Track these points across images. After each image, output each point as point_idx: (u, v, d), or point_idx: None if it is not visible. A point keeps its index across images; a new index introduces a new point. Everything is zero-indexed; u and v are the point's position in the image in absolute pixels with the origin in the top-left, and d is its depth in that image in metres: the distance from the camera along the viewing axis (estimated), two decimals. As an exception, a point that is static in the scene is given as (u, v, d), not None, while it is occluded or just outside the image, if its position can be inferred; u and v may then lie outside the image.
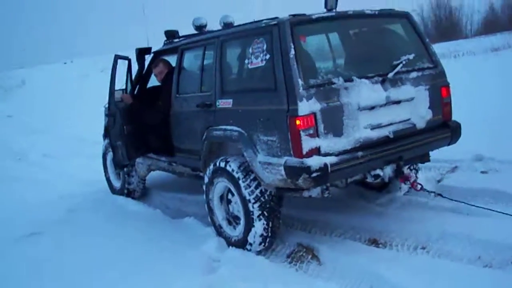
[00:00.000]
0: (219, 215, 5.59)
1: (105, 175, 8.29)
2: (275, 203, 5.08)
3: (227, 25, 6.12)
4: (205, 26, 6.40)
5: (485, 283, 3.98)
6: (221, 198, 5.57)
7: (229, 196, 5.45)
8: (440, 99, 5.33)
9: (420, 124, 5.16)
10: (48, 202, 8.12)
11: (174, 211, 6.84)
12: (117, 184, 8.05)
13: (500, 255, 4.39)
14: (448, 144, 5.49)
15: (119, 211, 7.19)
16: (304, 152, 4.43)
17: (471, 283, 3.99)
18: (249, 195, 5.01)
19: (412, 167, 5.78)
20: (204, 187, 5.66)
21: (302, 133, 4.41)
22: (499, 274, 4.14)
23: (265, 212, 5.01)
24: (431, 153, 5.73)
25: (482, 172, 6.27)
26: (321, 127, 4.50)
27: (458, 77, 10.13)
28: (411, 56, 5.11)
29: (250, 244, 5.12)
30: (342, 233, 5.46)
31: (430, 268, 4.35)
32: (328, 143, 4.55)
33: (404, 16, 5.49)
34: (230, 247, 5.36)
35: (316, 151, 4.49)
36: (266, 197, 5.03)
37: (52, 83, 21.26)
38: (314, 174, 4.37)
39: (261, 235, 5.05)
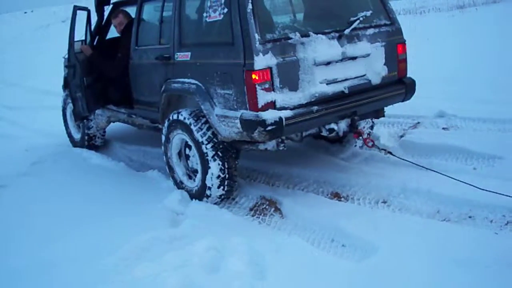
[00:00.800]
0: (179, 171, 5.66)
1: (66, 129, 8.27)
2: (228, 143, 5.14)
3: None
4: None
5: (443, 236, 4.06)
6: (180, 154, 5.65)
7: (187, 151, 5.52)
8: (396, 56, 5.41)
9: (375, 80, 5.24)
10: (12, 155, 8.07)
11: (138, 164, 6.82)
12: (77, 136, 8.03)
13: (457, 209, 4.52)
14: (403, 100, 5.59)
15: (84, 164, 7.14)
16: (260, 106, 4.51)
17: (429, 236, 4.08)
18: (201, 137, 5.10)
19: (367, 123, 5.81)
20: (162, 147, 5.73)
21: (257, 87, 4.48)
22: (456, 228, 4.24)
23: (219, 153, 5.10)
24: (394, 108, 5.84)
25: (444, 128, 6.36)
26: (276, 82, 4.58)
27: (424, 34, 10.21)
28: (368, 13, 5.16)
29: (209, 188, 5.18)
30: (305, 186, 5.52)
31: (391, 222, 4.43)
32: (283, 97, 4.63)
33: None
34: (193, 199, 5.39)
35: (272, 105, 4.56)
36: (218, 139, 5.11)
37: (12, 33, 20.65)
38: (269, 128, 4.47)
39: (218, 176, 5.11)
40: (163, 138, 5.66)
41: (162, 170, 6.31)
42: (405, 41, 5.51)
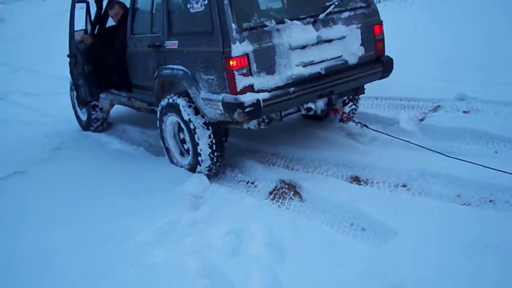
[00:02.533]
0: (174, 151, 6.10)
1: (74, 113, 8.65)
2: (215, 123, 5.50)
3: None
4: None
5: (463, 220, 4.03)
6: (174, 136, 6.07)
7: (181, 135, 5.94)
8: (372, 36, 5.69)
9: (352, 60, 5.53)
10: (31, 141, 8.20)
11: (157, 148, 6.83)
12: (83, 117, 8.43)
13: (478, 193, 4.47)
14: (380, 78, 5.89)
15: (103, 148, 7.23)
16: (238, 90, 4.85)
17: (449, 220, 4.05)
18: (190, 118, 5.49)
19: (351, 100, 6.33)
20: (159, 132, 6.18)
21: (236, 73, 4.82)
22: (477, 211, 4.21)
23: (205, 132, 5.47)
24: (413, 92, 6.01)
25: (465, 111, 6.27)
26: (253, 67, 4.90)
27: (445, 16, 10.07)
28: None
29: (199, 164, 5.60)
30: (324, 170, 5.52)
31: (410, 206, 4.41)
32: (261, 80, 4.95)
33: None
34: (213, 184, 5.45)
35: (250, 88, 4.90)
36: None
37: (31, 21, 20.58)
38: (247, 109, 4.82)
39: (206, 153, 5.50)
40: (158, 124, 6.10)
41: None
42: (381, 21, 5.76)
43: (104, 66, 7.20)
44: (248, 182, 5.51)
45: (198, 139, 5.47)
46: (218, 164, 5.65)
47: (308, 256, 3.88)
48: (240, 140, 6.66)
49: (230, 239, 4.26)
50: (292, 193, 5.07)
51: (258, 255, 3.97)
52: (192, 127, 5.49)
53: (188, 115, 5.49)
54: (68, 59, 7.39)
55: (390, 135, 5.71)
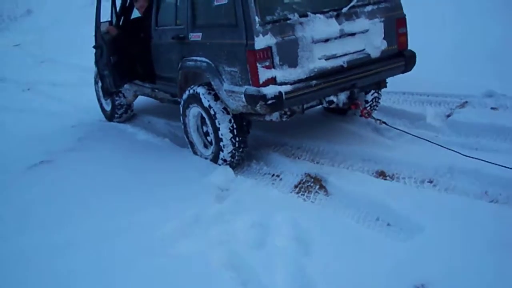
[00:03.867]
0: (197, 142, 6.17)
1: (99, 103, 8.78)
2: (238, 115, 5.58)
3: None
4: None
5: (490, 217, 4.01)
6: (198, 131, 6.15)
7: (204, 129, 6.04)
8: (395, 30, 5.70)
9: (375, 54, 5.55)
10: (58, 131, 8.31)
11: (183, 140, 6.86)
12: (108, 108, 8.54)
13: (506, 190, 4.42)
14: (403, 72, 5.87)
15: (129, 139, 7.28)
16: (261, 82, 4.90)
17: (476, 217, 4.03)
18: (212, 109, 5.56)
19: (374, 95, 6.37)
20: (182, 127, 6.26)
21: (258, 65, 4.86)
22: (505, 209, 4.17)
23: (228, 123, 5.55)
24: (441, 87, 6.26)
25: (492, 108, 6.20)
26: (276, 59, 4.94)
27: (473, 7, 9.94)
28: None
29: (222, 154, 5.67)
30: (350, 164, 5.50)
31: (437, 202, 4.39)
32: (283, 73, 4.99)
33: None
34: (239, 176, 5.49)
35: (272, 81, 4.94)
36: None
37: (58, 12, 20.72)
38: (270, 102, 4.86)
39: (228, 144, 5.58)
40: (181, 111, 6.15)
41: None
42: (405, 16, 5.77)
43: (129, 57, 7.27)
44: (273, 175, 5.51)
45: (219, 124, 5.54)
46: (240, 150, 5.70)
47: (333, 250, 3.90)
48: (266, 133, 6.66)
49: (256, 231, 4.29)
50: (317, 186, 5.07)
51: (284, 247, 4.00)
52: (212, 112, 5.56)
53: (208, 101, 5.59)
54: (94, 50, 7.49)
55: (408, 133, 5.71)
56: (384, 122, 5.85)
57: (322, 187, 5.05)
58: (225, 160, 5.70)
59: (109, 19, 7.57)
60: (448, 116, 6.16)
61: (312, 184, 5.13)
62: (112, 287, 3.85)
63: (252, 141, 6.42)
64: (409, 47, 5.85)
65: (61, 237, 4.57)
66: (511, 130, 5.48)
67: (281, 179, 5.39)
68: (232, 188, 5.17)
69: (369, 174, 5.23)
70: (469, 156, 4.85)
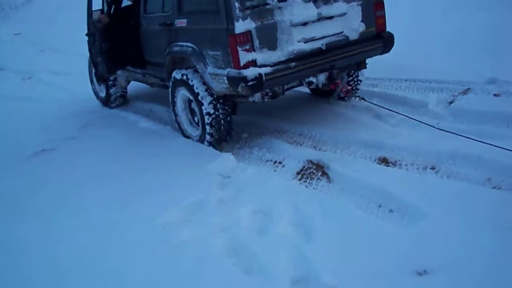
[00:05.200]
0: (185, 123, 6.45)
1: (92, 89, 9.13)
2: (223, 97, 5.85)
3: None
4: None
5: (493, 204, 4.00)
6: (186, 112, 6.43)
7: (192, 105, 6.25)
8: (373, 13, 5.98)
9: (353, 36, 5.83)
10: (59, 119, 8.36)
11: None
12: (102, 94, 8.82)
13: (509, 177, 4.40)
14: (381, 53, 6.17)
15: (131, 127, 7.30)
16: (242, 64, 5.18)
17: (479, 204, 4.02)
18: (198, 91, 5.84)
19: (353, 75, 6.69)
20: (171, 108, 6.57)
21: (239, 49, 5.14)
22: (507, 195, 4.16)
23: (213, 104, 5.83)
24: (443, 74, 6.39)
25: (495, 95, 6.18)
26: (256, 43, 5.23)
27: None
28: None
29: (208, 134, 5.92)
30: (352, 151, 5.49)
31: (439, 188, 4.38)
32: (263, 56, 5.28)
33: None
34: (241, 163, 5.48)
35: (253, 63, 5.22)
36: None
37: (57, 1, 20.65)
38: (250, 83, 5.14)
39: (213, 123, 5.86)
40: (170, 94, 6.45)
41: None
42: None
43: (120, 44, 7.48)
44: (275, 162, 5.51)
45: (205, 106, 5.80)
46: (226, 131, 5.98)
47: (335, 237, 3.90)
48: (268, 119, 6.66)
49: (258, 218, 4.30)
50: (319, 173, 5.06)
51: (286, 234, 4.01)
52: (198, 95, 5.83)
53: (194, 84, 5.87)
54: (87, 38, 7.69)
55: (399, 113, 5.91)
56: (363, 98, 6.26)
57: (324, 173, 5.04)
58: (210, 141, 5.98)
59: (101, 8, 7.86)
60: (451, 103, 6.16)
61: (314, 171, 5.12)
62: (115, 275, 3.83)
63: (254, 128, 6.48)
64: (390, 30, 6.13)
65: (63, 225, 4.58)
66: (513, 116, 5.47)
67: (283, 166, 5.39)
68: (234, 176, 5.16)
69: (371, 160, 5.23)
70: (471, 138, 4.88)
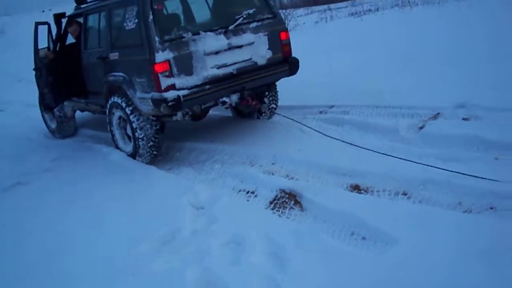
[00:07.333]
0: (120, 140, 7.27)
1: (43, 119, 9.59)
2: (151, 118, 6.64)
3: None
4: None
5: (464, 227, 4.01)
6: (121, 132, 7.22)
7: (127, 131, 6.99)
8: (279, 41, 6.92)
9: (261, 62, 6.74)
10: (33, 152, 8.41)
11: (158, 161, 6.91)
12: (53, 126, 9.31)
13: (479, 200, 4.44)
14: (288, 76, 7.08)
15: (102, 159, 7.25)
16: (163, 88, 6.00)
17: (450, 228, 4.03)
18: (130, 113, 6.63)
19: (266, 96, 7.48)
20: (109, 129, 7.33)
21: (160, 75, 5.98)
22: (478, 219, 4.19)
23: (142, 124, 6.62)
24: (413, 99, 6.76)
25: (464, 119, 6.25)
26: (174, 70, 6.06)
27: (444, 24, 10.09)
28: (251, 11, 6.68)
29: (138, 150, 6.72)
30: (325, 179, 5.49)
31: (411, 214, 4.38)
32: (181, 81, 6.11)
33: None
34: (214, 193, 5.45)
35: (173, 87, 6.05)
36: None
37: (30, 32, 20.65)
38: (170, 103, 5.96)
39: (143, 141, 6.64)
40: (107, 118, 7.21)
41: (184, 165, 6.67)
42: (287, 29, 7.11)
43: (65, 77, 8.20)
44: (248, 192, 5.50)
45: (135, 126, 6.58)
46: (155, 148, 6.74)
47: (309, 266, 3.87)
48: (240, 147, 6.70)
49: (230, 248, 4.28)
50: (292, 202, 5.06)
51: (259, 264, 3.98)
52: (130, 117, 6.60)
53: (126, 107, 6.63)
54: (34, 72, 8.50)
55: (315, 129, 6.70)
56: (278, 113, 7.40)
57: (297, 202, 5.04)
58: (141, 156, 6.75)
59: (47, 46, 8.51)
60: (421, 128, 6.21)
61: (287, 200, 5.11)
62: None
63: (227, 158, 6.46)
64: (295, 55, 7.06)
65: (38, 252, 4.61)
66: (482, 140, 5.52)
67: (256, 196, 5.38)
68: (207, 206, 5.12)
69: (344, 188, 5.23)
70: (441, 168, 4.95)
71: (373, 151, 5.71)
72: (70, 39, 8.63)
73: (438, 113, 6.53)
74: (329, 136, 6.13)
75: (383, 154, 5.59)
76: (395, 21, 15.28)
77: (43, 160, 7.76)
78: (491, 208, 4.31)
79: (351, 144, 5.88)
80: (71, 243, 4.77)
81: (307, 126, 6.80)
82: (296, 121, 7.06)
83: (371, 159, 5.60)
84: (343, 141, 5.96)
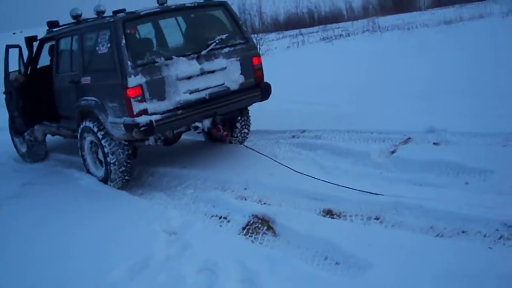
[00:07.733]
0: (91, 165, 7.23)
1: (13, 143, 9.44)
2: (123, 143, 6.58)
3: (99, 13, 7.02)
4: (80, 15, 7.40)
5: (436, 251, 4.04)
6: (92, 156, 7.17)
7: (99, 155, 6.96)
8: (251, 66, 6.97)
9: (233, 87, 6.77)
10: (2, 176, 8.31)
11: (131, 186, 6.86)
12: (23, 150, 9.17)
13: (451, 224, 4.47)
14: (260, 101, 7.13)
15: (73, 184, 7.14)
16: (135, 113, 5.96)
17: (423, 252, 4.06)
18: (101, 138, 6.58)
19: (239, 121, 7.54)
20: (80, 154, 7.30)
21: (132, 100, 5.94)
22: (449, 243, 4.22)
23: (114, 149, 6.57)
24: (384, 124, 6.81)
25: (435, 143, 6.33)
26: (147, 95, 6.04)
27: (414, 49, 10.26)
28: (224, 36, 6.72)
29: (110, 175, 6.68)
30: (297, 204, 5.48)
31: (384, 238, 4.40)
32: (153, 105, 6.09)
33: (222, 5, 7.08)
34: (186, 219, 5.42)
35: (145, 112, 6.01)
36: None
37: (1, 54, 20.48)
38: (142, 128, 5.92)
39: (114, 166, 6.59)
40: (79, 141, 7.17)
41: (156, 190, 6.61)
42: (259, 54, 7.19)
43: (36, 101, 8.15)
44: (221, 218, 5.46)
45: (107, 151, 6.55)
46: (126, 172, 6.69)
47: (283, 292, 3.86)
48: (213, 173, 6.68)
49: (204, 275, 4.23)
50: (265, 228, 5.04)
51: (233, 291, 3.94)
52: (101, 142, 6.57)
53: (97, 132, 6.59)
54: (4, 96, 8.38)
55: (266, 155, 6.70)
56: (245, 145, 7.23)
57: (270, 228, 5.02)
58: (113, 181, 6.70)
59: (18, 69, 8.43)
60: (392, 152, 6.27)
61: (260, 226, 5.09)
62: None
63: (200, 183, 6.43)
64: (267, 81, 7.12)
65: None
66: (453, 164, 5.60)
67: (228, 221, 5.35)
68: (180, 232, 5.08)
69: (317, 213, 5.23)
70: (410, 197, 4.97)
71: (337, 184, 5.61)
72: (42, 62, 8.60)
73: (409, 138, 6.61)
74: (295, 171, 6.06)
75: (343, 186, 5.50)
76: (365, 46, 15.49)
77: (12, 185, 7.57)
78: (463, 232, 4.35)
79: (314, 177, 5.80)
80: (37, 273, 4.65)
81: (276, 161, 6.52)
82: (265, 155, 6.76)
83: (344, 183, 5.62)
84: (308, 175, 5.90)
